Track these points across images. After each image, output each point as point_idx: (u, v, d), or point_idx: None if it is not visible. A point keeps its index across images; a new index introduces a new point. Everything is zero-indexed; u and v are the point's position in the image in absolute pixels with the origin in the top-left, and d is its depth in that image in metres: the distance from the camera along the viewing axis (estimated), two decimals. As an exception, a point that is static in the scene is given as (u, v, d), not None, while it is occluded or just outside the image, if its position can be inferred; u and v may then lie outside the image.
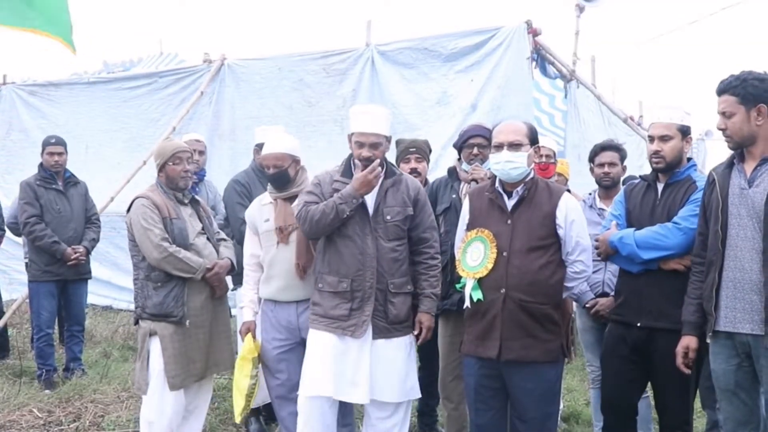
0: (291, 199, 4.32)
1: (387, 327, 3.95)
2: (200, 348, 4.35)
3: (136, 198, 4.40)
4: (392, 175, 4.05)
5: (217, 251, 4.52)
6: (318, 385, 3.90)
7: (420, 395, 4.17)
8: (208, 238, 4.50)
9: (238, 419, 4.49)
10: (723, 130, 3.40)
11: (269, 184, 4.46)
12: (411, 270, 4.05)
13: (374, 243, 3.93)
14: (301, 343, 4.24)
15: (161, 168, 4.44)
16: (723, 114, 3.37)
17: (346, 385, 3.89)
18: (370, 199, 3.98)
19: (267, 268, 4.35)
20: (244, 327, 4.38)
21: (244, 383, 4.31)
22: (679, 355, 3.54)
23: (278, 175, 4.36)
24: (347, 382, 3.88)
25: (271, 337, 4.32)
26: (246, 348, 4.33)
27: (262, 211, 4.41)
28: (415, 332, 4.03)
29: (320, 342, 3.94)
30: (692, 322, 3.53)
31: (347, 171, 4.02)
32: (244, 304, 4.44)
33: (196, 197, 4.63)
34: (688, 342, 3.53)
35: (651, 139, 3.84)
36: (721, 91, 3.38)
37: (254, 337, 4.35)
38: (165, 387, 4.25)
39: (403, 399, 4.02)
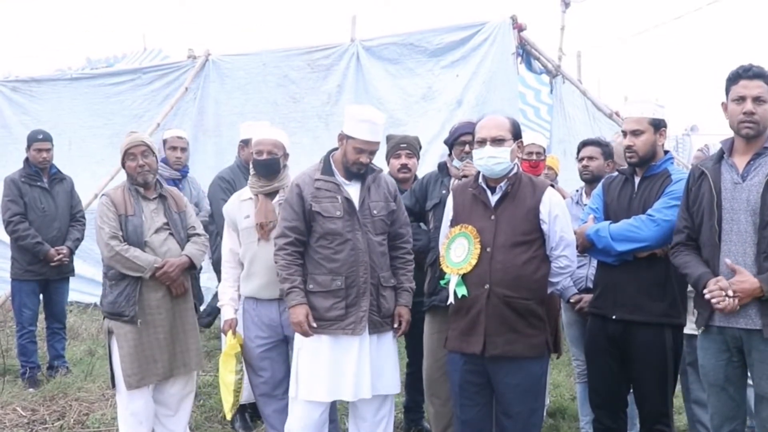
0: (272, 194, 4.29)
1: (380, 321, 3.99)
2: (161, 347, 4.32)
3: (101, 195, 4.46)
4: (372, 172, 4.08)
5: (182, 247, 4.45)
6: (315, 391, 3.91)
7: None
8: (171, 234, 4.44)
9: (228, 416, 4.49)
10: (752, 113, 3.30)
11: (255, 172, 4.40)
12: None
13: (364, 237, 3.94)
14: (284, 341, 4.28)
15: (123, 165, 4.46)
16: (757, 98, 3.30)
17: (346, 385, 3.89)
18: (356, 195, 3.99)
19: (248, 265, 4.32)
20: (225, 324, 4.36)
21: (230, 379, 4.31)
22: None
23: (271, 162, 4.33)
24: (350, 381, 3.89)
25: (254, 335, 4.31)
26: (228, 344, 4.32)
27: (241, 207, 4.38)
28: (395, 325, 4.08)
29: (315, 345, 3.92)
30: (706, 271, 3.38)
31: (327, 168, 4.02)
32: (223, 302, 4.41)
33: (164, 192, 4.53)
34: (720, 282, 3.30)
35: (624, 133, 3.87)
36: (756, 75, 3.31)
37: (235, 333, 4.34)
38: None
39: (396, 390, 4.11)
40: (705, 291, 3.31)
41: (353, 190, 4.00)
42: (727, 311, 3.25)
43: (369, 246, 3.96)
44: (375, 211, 4.01)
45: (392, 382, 4.09)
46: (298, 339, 3.99)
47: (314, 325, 3.88)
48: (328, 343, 3.91)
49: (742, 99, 3.32)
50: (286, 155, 4.44)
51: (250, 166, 4.52)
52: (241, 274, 4.38)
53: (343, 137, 3.99)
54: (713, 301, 3.26)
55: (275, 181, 4.33)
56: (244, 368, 4.36)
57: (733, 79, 3.36)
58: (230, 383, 4.30)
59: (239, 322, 4.40)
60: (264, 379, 4.30)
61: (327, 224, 3.92)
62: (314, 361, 3.92)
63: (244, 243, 4.34)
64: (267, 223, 4.23)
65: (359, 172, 4.00)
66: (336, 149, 4.08)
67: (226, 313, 4.38)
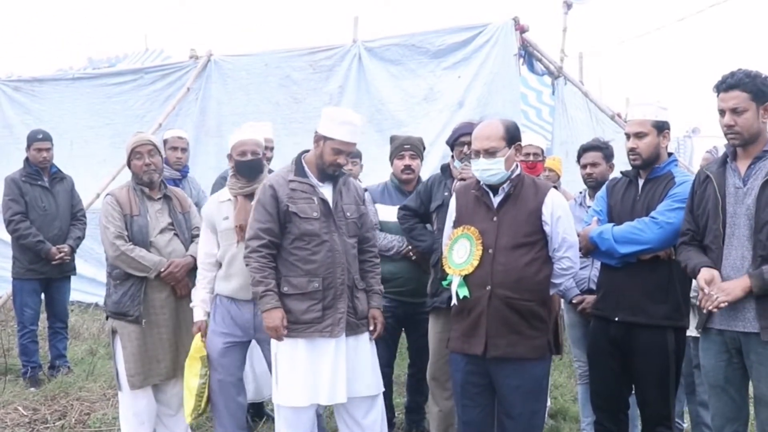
0: (250, 195, 4.24)
1: (356, 323, 3.99)
2: (164, 347, 4.34)
3: (106, 195, 4.47)
4: (342, 175, 4.09)
5: (187, 248, 4.47)
6: (295, 396, 3.88)
7: (383, 387, 4.21)
8: (176, 234, 4.45)
9: (188, 420, 4.35)
10: (731, 126, 3.34)
11: (235, 173, 4.38)
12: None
13: (340, 239, 3.95)
14: (248, 343, 4.34)
15: (128, 164, 4.46)
16: (734, 110, 3.33)
17: (325, 388, 3.87)
18: (329, 197, 4.00)
19: (226, 267, 4.29)
20: (195, 327, 4.31)
21: (193, 383, 4.24)
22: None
23: (255, 162, 4.34)
24: (326, 384, 3.87)
25: (221, 330, 4.28)
26: (194, 347, 4.26)
27: (220, 208, 4.34)
28: (370, 328, 4.08)
29: (291, 350, 3.89)
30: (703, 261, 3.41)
31: (300, 170, 4.01)
32: (195, 303, 4.36)
33: (169, 193, 4.54)
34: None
35: (627, 136, 3.88)
36: (731, 87, 3.33)
37: (203, 336, 4.29)
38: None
39: (379, 391, 4.10)
40: (697, 280, 3.33)
41: (326, 192, 4.01)
42: (712, 307, 3.24)
43: (344, 247, 3.96)
44: (348, 214, 4.03)
45: (373, 382, 4.07)
46: (275, 344, 3.96)
47: (285, 331, 3.83)
48: (304, 347, 3.88)
49: (722, 112, 3.38)
50: (270, 149, 4.42)
51: (229, 167, 4.51)
52: (218, 274, 4.33)
53: (319, 138, 3.99)
54: (700, 298, 3.29)
55: (256, 182, 4.29)
56: (208, 373, 4.27)
57: (715, 93, 3.42)
58: (194, 387, 4.22)
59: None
60: (221, 376, 4.27)
61: (304, 225, 3.90)
62: (292, 367, 3.90)
63: (222, 245, 4.31)
64: (246, 225, 4.16)
65: (335, 173, 4.01)
66: (306, 151, 4.08)
67: (197, 315, 4.33)
